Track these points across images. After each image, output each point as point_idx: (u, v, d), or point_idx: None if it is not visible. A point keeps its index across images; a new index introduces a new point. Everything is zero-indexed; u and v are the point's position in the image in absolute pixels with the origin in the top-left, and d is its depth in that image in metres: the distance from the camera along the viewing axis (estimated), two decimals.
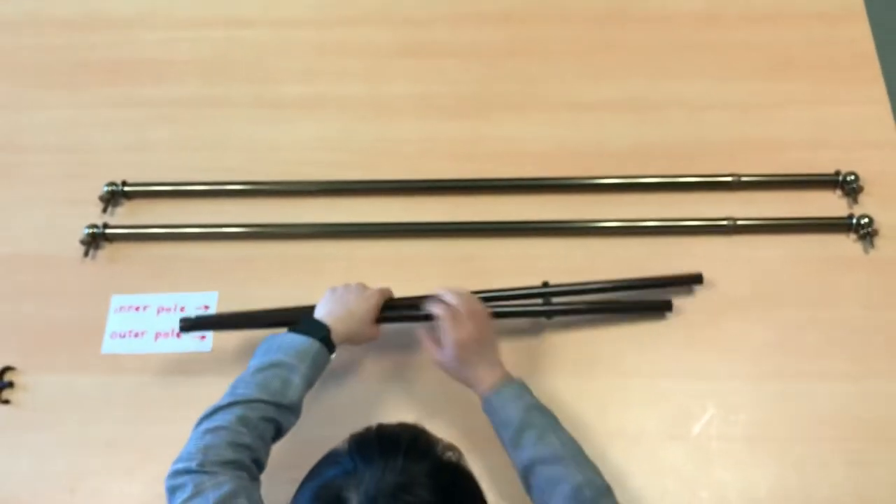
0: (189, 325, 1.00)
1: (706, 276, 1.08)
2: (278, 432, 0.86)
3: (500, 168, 1.17)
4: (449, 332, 0.91)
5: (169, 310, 1.09)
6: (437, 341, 0.94)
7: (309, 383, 0.88)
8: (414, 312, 0.98)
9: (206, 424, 0.81)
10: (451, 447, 0.72)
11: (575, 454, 0.85)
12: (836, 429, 0.98)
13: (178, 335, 1.06)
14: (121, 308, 1.09)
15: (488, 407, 0.89)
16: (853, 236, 1.10)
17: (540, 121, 1.21)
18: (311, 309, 0.96)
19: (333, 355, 0.92)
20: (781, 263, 1.09)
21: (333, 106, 1.24)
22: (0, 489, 1.00)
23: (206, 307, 1.09)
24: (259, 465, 0.82)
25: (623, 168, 1.16)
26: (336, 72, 1.27)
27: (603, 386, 1.02)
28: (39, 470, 1.01)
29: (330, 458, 0.69)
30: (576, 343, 1.05)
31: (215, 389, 1.02)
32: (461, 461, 0.72)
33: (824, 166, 1.15)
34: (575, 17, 1.30)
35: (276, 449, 0.86)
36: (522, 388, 0.90)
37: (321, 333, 0.90)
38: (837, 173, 1.13)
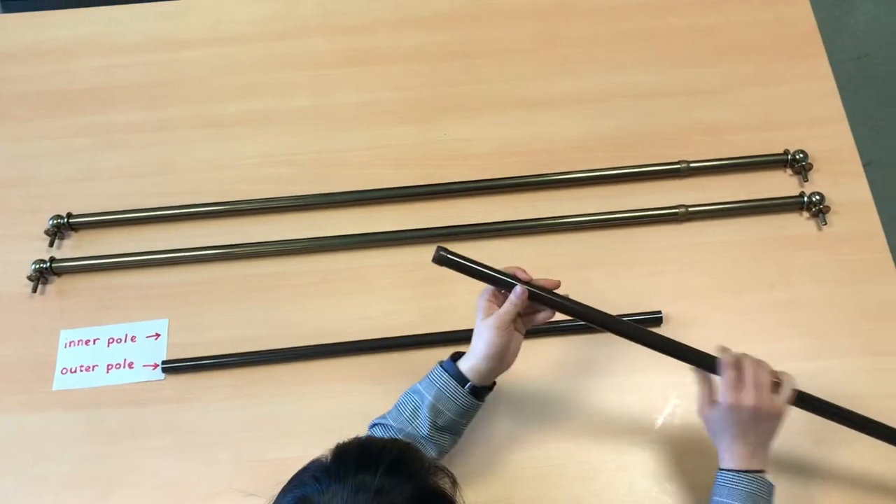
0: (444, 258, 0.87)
1: (661, 265, 1.07)
2: None
3: (452, 171, 1.16)
4: (727, 391, 0.82)
5: (120, 340, 1.07)
6: (711, 396, 0.85)
7: (438, 414, 0.83)
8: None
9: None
10: (445, 471, 0.67)
11: None
12: (800, 411, 0.97)
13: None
14: (70, 343, 1.07)
15: (719, 480, 0.82)
16: (806, 214, 1.10)
17: (489, 121, 1.20)
18: None
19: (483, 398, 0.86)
20: (736, 247, 1.08)
21: (279, 121, 1.22)
22: None
23: (158, 335, 1.07)
24: None
25: (574, 162, 1.15)
26: (280, 86, 1.25)
27: (567, 384, 1.01)
28: None
29: (309, 469, 0.65)
30: (546, 344, 1.04)
31: (171, 418, 1.03)
32: (452, 490, 0.67)
33: (774, 146, 1.14)
34: (518, 13, 1.30)
35: None
36: (761, 493, 0.80)
37: (447, 361, 0.86)
38: (786, 152, 1.13)
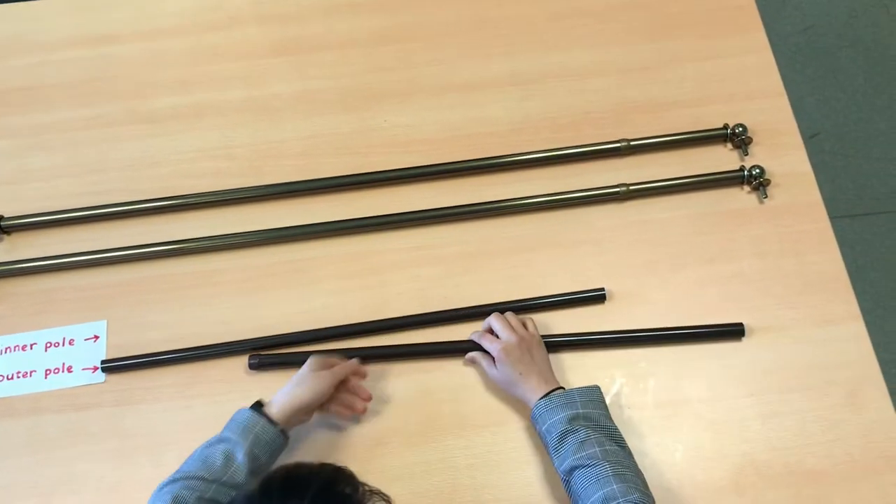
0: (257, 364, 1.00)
1: (605, 245, 1.07)
2: None
3: (390, 159, 1.14)
4: (491, 346, 0.95)
5: (58, 344, 1.04)
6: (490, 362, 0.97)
7: (255, 459, 0.83)
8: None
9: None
10: (379, 494, 0.67)
11: (617, 465, 0.81)
12: (745, 384, 0.98)
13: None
14: (6, 349, 1.05)
15: (534, 415, 0.89)
16: (747, 188, 1.10)
17: (425, 106, 1.18)
18: None
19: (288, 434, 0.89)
20: (678, 223, 1.08)
21: (211, 113, 1.19)
22: None
23: (96, 337, 1.04)
24: None
25: (514, 145, 1.14)
26: (211, 78, 1.22)
27: None
28: None
29: (235, 502, 0.65)
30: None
31: (113, 422, 1.01)
32: None
33: (714, 121, 1.14)
34: None
35: None
36: (573, 398, 0.88)
37: (258, 406, 0.89)
38: (726, 127, 1.13)
